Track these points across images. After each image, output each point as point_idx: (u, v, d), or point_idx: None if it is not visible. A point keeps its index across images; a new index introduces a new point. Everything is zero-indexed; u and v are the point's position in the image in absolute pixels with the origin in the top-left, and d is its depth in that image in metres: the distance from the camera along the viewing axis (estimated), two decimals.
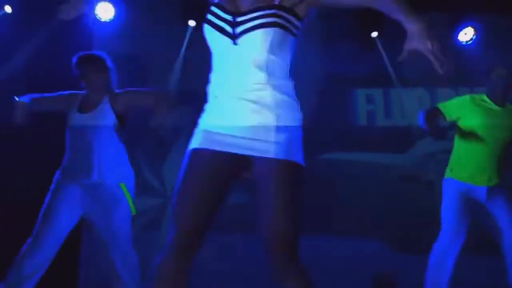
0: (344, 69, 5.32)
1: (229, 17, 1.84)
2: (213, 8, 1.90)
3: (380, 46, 5.28)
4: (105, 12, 4.88)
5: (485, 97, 3.77)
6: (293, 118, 1.86)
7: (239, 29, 1.81)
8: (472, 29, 5.30)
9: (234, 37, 1.81)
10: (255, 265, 5.02)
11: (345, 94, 5.57)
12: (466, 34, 5.33)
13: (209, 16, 1.89)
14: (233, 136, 1.82)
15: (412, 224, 4.99)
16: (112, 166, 3.24)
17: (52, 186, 3.27)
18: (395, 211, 5.00)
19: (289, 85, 1.89)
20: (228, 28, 1.83)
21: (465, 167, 3.70)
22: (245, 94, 1.81)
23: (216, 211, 1.86)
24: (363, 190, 4.87)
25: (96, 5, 4.84)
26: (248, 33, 1.80)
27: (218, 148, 1.83)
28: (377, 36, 5.27)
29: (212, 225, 1.86)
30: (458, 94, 5.57)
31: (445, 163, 3.92)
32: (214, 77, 1.91)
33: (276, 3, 1.83)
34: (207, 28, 1.89)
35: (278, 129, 1.79)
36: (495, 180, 3.69)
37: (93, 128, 3.21)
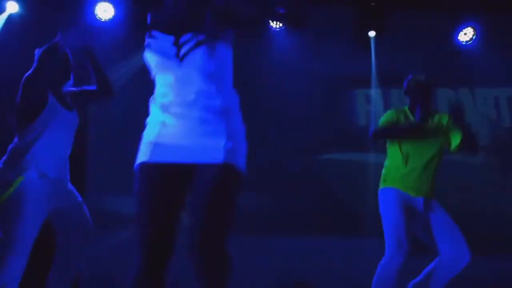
0: (344, 69, 5.32)
1: (171, 39, 1.89)
2: (154, 32, 1.93)
3: (374, 46, 5.26)
4: (104, 12, 4.88)
5: (407, 111, 3.52)
6: (238, 126, 1.91)
7: (184, 49, 1.86)
8: (472, 29, 5.30)
9: (179, 57, 1.87)
10: (253, 265, 5.03)
11: (345, 94, 5.57)
12: (466, 34, 5.34)
13: (150, 40, 1.92)
14: (178, 146, 1.83)
15: None
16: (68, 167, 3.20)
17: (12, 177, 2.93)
18: None
19: (233, 96, 1.96)
20: (171, 50, 1.88)
21: (399, 179, 3.47)
22: (194, 104, 1.85)
23: (176, 224, 1.85)
24: (363, 190, 4.87)
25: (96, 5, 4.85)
26: (191, 52, 1.86)
27: (165, 159, 1.84)
28: (375, 36, 5.26)
29: (175, 238, 1.85)
30: (458, 94, 5.58)
31: (444, 163, 3.90)
32: (159, 90, 1.93)
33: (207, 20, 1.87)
34: (149, 51, 1.92)
35: (226, 136, 1.83)
36: (429, 193, 3.46)
37: (72, 126, 3.17)
